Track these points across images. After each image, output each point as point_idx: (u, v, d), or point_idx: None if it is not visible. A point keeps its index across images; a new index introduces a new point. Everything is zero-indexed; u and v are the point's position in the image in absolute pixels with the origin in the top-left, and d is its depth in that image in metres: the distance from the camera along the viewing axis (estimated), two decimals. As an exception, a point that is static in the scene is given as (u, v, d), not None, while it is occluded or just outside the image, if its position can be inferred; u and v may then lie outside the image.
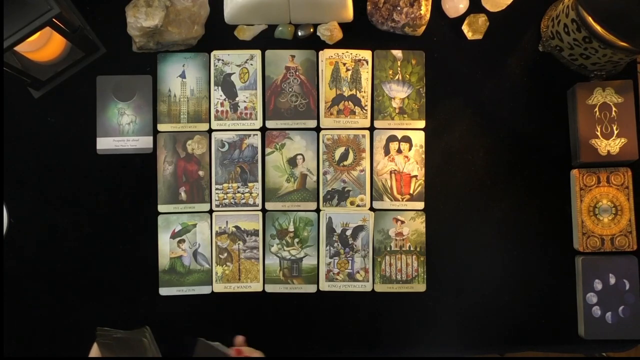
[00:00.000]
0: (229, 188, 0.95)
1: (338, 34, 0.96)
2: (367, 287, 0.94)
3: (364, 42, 0.97)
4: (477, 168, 0.95)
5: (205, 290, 0.94)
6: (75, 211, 0.94)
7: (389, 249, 0.94)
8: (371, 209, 0.95)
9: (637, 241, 0.92)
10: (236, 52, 0.96)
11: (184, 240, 0.94)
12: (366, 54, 0.96)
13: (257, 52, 0.96)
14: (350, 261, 0.94)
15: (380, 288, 0.94)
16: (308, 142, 0.95)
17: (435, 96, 0.96)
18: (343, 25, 0.96)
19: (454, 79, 0.97)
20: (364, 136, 0.95)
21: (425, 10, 0.93)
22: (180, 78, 0.96)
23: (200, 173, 0.95)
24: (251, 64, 0.96)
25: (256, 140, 0.95)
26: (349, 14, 0.95)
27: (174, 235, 0.94)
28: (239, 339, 0.85)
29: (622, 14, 0.78)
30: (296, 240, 0.94)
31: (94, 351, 0.78)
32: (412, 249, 0.94)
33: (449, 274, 0.94)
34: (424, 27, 0.95)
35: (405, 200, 0.95)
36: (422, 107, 0.96)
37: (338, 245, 0.94)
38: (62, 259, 0.93)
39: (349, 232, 0.94)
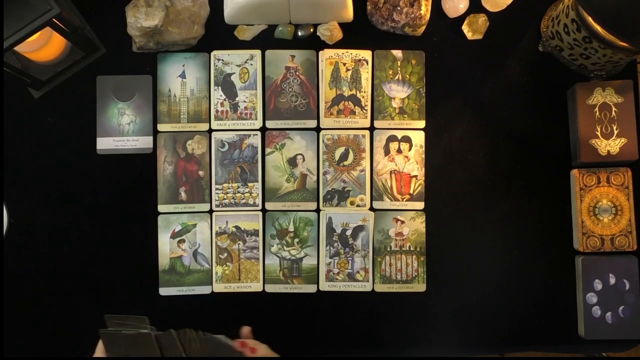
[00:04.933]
0: (229, 188, 0.95)
1: (338, 34, 0.96)
2: (367, 287, 0.94)
3: (364, 42, 0.97)
4: (477, 168, 0.95)
5: (205, 290, 0.94)
6: (75, 211, 0.94)
7: (389, 249, 0.94)
8: (371, 209, 0.95)
9: (637, 241, 0.92)
10: (236, 52, 0.96)
11: (184, 240, 0.94)
12: (366, 54, 0.96)
13: (257, 52, 0.96)
14: (350, 261, 0.94)
15: (380, 288, 0.94)
16: (308, 142, 0.95)
17: (435, 96, 0.96)
18: (343, 25, 0.96)
19: (454, 79, 0.97)
20: (364, 136, 0.95)
21: (425, 10, 0.93)
22: (180, 78, 0.96)
23: (200, 173, 0.95)
24: (251, 64, 0.96)
25: (256, 140, 0.95)
26: (349, 14, 0.95)
27: (174, 235, 0.94)
28: (245, 329, 0.84)
29: (622, 14, 0.78)
30: (296, 240, 0.94)
31: (99, 350, 0.77)
32: (412, 249, 0.94)
33: (449, 274, 0.94)
34: (424, 27, 0.95)
35: (405, 200, 0.95)
36: (422, 107, 0.96)
37: (338, 245, 0.94)
38: (62, 259, 0.93)
39: (349, 232, 0.94)
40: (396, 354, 0.94)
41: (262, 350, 0.78)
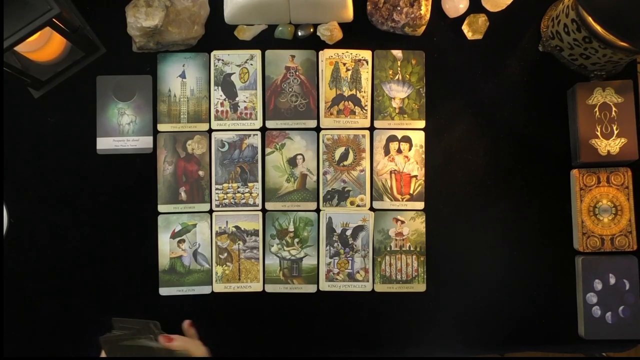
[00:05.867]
0: (229, 188, 0.95)
1: (338, 34, 0.96)
2: (367, 287, 0.94)
3: (364, 42, 0.97)
4: (477, 168, 0.95)
5: (205, 290, 0.94)
6: (75, 211, 0.94)
7: (389, 249, 0.94)
8: (371, 209, 0.95)
9: (637, 241, 0.92)
10: (236, 52, 0.96)
11: (184, 240, 0.94)
12: (366, 54, 0.96)
13: (257, 52, 0.96)
14: (350, 261, 0.94)
15: (380, 288, 0.94)
16: (308, 142, 0.95)
17: (435, 96, 0.96)
18: (343, 25, 0.96)
19: (454, 79, 0.97)
20: (364, 136, 0.95)
21: (425, 10, 0.93)
22: (180, 78, 0.96)
23: (200, 173, 0.95)
24: (251, 64, 0.96)
25: (256, 140, 0.95)
26: (349, 14, 0.95)
27: (174, 235, 0.94)
28: (185, 323, 0.86)
29: (622, 14, 0.78)
30: (296, 240, 0.94)
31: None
32: (412, 249, 0.94)
33: (449, 274, 0.94)
34: (424, 27, 0.95)
35: (405, 200, 0.95)
36: (422, 107, 0.96)
37: (338, 245, 0.94)
38: (62, 259, 0.93)
39: (349, 232, 0.94)
40: (396, 354, 0.94)
41: (179, 341, 0.79)
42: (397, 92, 0.96)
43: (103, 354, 0.78)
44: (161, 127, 0.95)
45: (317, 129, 0.96)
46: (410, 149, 0.95)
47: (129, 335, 0.76)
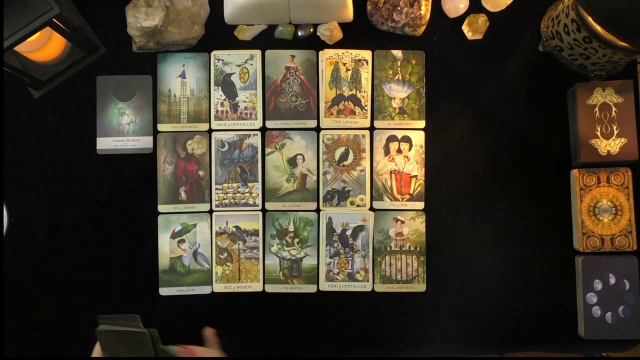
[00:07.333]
0: (229, 188, 0.95)
1: (338, 34, 0.96)
2: (367, 287, 0.94)
3: (364, 42, 0.97)
4: (477, 168, 0.95)
5: (205, 290, 0.94)
6: (76, 211, 0.94)
7: (389, 249, 0.94)
8: (371, 209, 0.95)
9: (637, 241, 0.92)
10: (236, 52, 0.96)
11: (184, 240, 0.94)
12: (366, 54, 0.96)
13: (257, 52, 0.96)
14: (350, 261, 0.94)
15: (380, 288, 0.94)
16: (308, 142, 0.95)
17: (435, 96, 0.96)
18: (343, 25, 0.96)
19: (454, 79, 0.97)
20: (364, 136, 0.95)
21: (425, 10, 0.93)
22: (180, 78, 0.96)
23: (200, 173, 0.95)
24: (251, 64, 0.96)
25: (256, 140, 0.95)
26: (349, 14, 0.95)
27: (174, 235, 0.94)
28: (208, 331, 0.83)
29: (622, 14, 0.78)
30: (296, 240, 0.94)
31: (96, 351, 0.77)
32: (412, 249, 0.94)
33: (449, 274, 0.94)
34: (424, 27, 0.95)
35: (405, 200, 0.95)
36: (422, 107, 0.96)
37: (338, 245, 0.94)
38: (62, 259, 0.93)
39: (349, 232, 0.94)
40: (396, 354, 0.94)
41: (200, 351, 0.76)
42: (397, 92, 0.96)
43: (95, 351, 0.77)
44: (161, 127, 0.95)
45: (317, 129, 0.96)
46: (410, 149, 0.95)
47: (121, 326, 0.75)
